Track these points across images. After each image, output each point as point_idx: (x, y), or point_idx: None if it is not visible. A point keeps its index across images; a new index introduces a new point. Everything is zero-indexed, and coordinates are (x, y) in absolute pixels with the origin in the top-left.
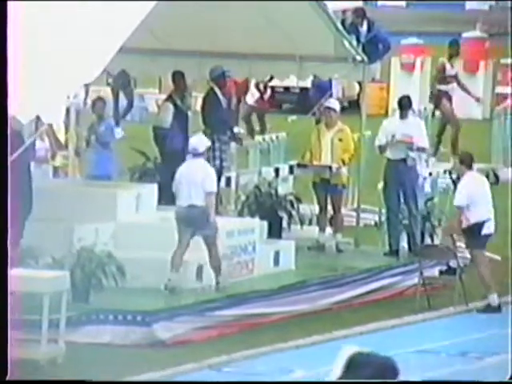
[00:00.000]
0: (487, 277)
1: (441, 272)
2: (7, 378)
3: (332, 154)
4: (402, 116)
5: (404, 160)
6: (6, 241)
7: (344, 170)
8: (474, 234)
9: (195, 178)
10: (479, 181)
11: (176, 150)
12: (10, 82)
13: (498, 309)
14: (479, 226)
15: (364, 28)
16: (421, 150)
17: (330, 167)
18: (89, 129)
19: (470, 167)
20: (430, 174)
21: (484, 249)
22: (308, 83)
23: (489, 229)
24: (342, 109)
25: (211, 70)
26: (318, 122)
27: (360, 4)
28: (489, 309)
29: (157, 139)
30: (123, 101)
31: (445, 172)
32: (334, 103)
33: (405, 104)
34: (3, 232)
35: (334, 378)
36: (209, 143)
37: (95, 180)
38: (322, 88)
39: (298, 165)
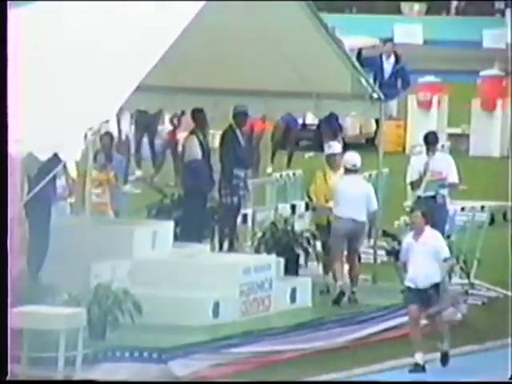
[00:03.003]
0: (414, 333)
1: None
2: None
3: None
4: (429, 152)
5: (434, 197)
6: (6, 248)
7: None
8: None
9: (358, 193)
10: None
11: (202, 183)
12: (28, 120)
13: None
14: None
15: (391, 60)
16: (452, 185)
17: None
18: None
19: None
20: (447, 211)
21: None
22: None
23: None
24: (359, 146)
25: (234, 107)
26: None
27: (376, 42)
28: (417, 367)
29: (189, 172)
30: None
31: (462, 209)
32: (334, 147)
33: (431, 140)
34: (3, 242)
35: None
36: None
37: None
38: (331, 123)
39: (307, 206)
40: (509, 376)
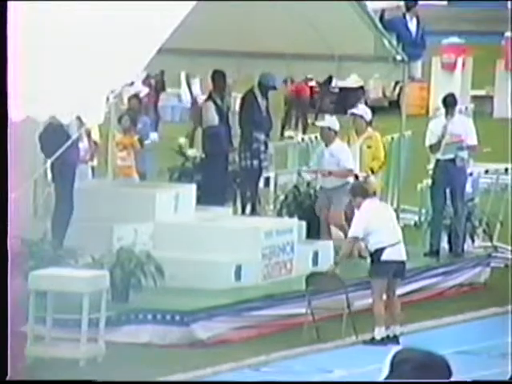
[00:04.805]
0: (378, 308)
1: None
2: (7, 378)
3: (360, 161)
4: (448, 115)
5: (453, 160)
6: (6, 238)
7: (372, 178)
8: (373, 261)
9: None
10: (377, 207)
11: (222, 148)
12: (50, 83)
13: (381, 341)
14: (378, 253)
15: (415, 20)
16: (471, 148)
17: (357, 176)
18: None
19: (365, 196)
20: (471, 173)
21: (385, 277)
22: (348, 83)
23: (390, 255)
24: (382, 109)
25: (262, 75)
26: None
27: (400, 3)
28: (373, 341)
29: (208, 138)
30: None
31: (486, 172)
32: (361, 110)
33: (450, 102)
34: (3, 230)
35: (382, 377)
36: None
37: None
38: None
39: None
40: (509, 376)
